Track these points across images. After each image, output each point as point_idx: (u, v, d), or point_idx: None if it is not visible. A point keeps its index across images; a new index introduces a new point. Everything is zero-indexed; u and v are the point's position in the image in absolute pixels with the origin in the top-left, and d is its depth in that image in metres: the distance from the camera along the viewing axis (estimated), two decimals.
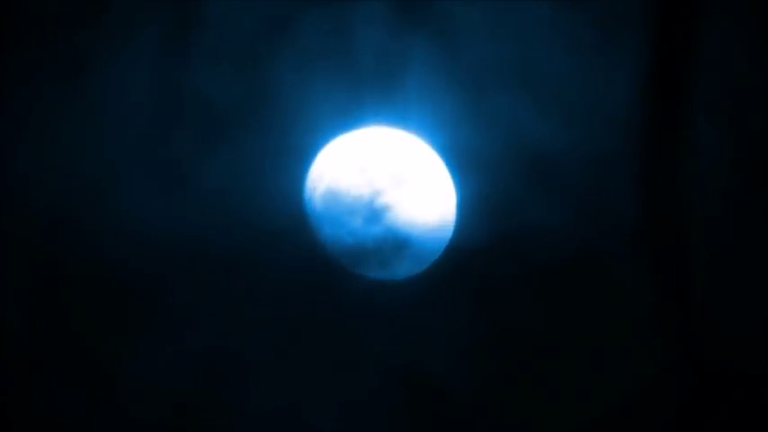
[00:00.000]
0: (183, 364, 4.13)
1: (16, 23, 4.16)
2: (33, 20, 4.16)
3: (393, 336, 4.15)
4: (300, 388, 4.14)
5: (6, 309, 4.11)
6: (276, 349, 4.13)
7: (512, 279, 4.14)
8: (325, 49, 4.14)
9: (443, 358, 4.15)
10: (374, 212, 4.01)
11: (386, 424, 4.15)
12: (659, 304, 4.12)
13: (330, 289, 4.11)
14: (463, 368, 4.15)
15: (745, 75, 4.12)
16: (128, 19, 4.16)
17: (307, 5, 4.15)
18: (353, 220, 4.01)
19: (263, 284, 4.12)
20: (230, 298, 4.13)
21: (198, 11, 4.16)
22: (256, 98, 4.15)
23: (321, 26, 4.14)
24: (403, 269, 4.08)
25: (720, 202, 4.14)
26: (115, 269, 4.14)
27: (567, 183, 4.15)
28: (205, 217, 4.14)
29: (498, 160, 4.14)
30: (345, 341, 4.14)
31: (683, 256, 4.13)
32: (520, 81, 4.14)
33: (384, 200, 4.00)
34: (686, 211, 4.13)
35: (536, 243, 4.14)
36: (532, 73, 4.15)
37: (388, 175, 4.02)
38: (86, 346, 4.13)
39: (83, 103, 4.17)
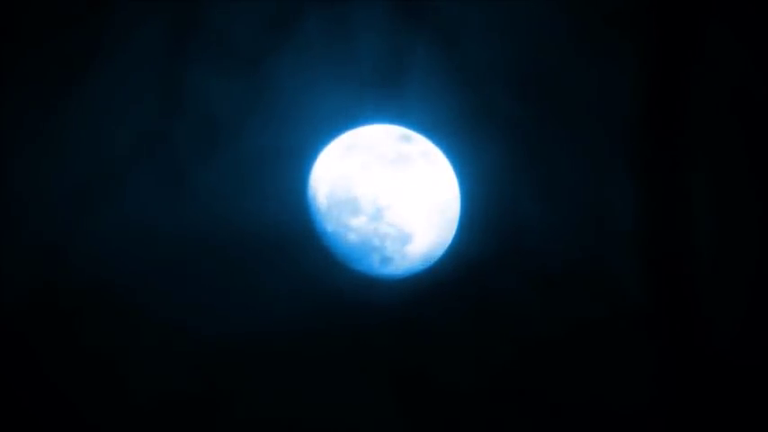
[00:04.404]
0: (183, 363, 4.12)
1: (16, 23, 4.15)
2: (33, 20, 4.15)
3: (393, 335, 4.14)
4: (300, 386, 4.13)
5: (6, 309, 4.10)
6: (277, 347, 4.12)
7: (512, 278, 4.14)
8: (325, 49, 4.14)
9: (444, 358, 4.15)
10: (377, 210, 4.01)
11: (386, 423, 4.14)
12: (659, 305, 4.13)
13: (332, 287, 4.11)
14: (463, 368, 4.14)
15: (746, 74, 4.14)
16: (128, 19, 4.16)
17: (307, 5, 4.15)
18: (356, 218, 4.01)
19: (264, 282, 4.11)
20: (231, 297, 4.12)
21: (198, 11, 4.16)
22: (257, 98, 4.15)
23: (322, 26, 4.15)
24: (405, 267, 4.08)
25: (720, 203, 4.15)
26: (115, 269, 4.12)
27: (567, 183, 4.16)
28: (206, 217, 4.13)
29: (499, 160, 4.15)
30: (346, 340, 4.13)
31: (682, 257, 4.14)
32: (520, 80, 4.15)
33: (386, 198, 4.01)
34: (686, 212, 4.15)
35: (536, 242, 4.15)
36: (533, 73, 4.16)
37: (391, 173, 4.03)
38: (86, 346, 4.12)
39: (82, 103, 4.16)
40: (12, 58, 4.14)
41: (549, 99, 4.16)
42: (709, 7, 4.13)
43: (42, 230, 4.14)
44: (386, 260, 4.05)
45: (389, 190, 4.01)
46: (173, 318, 4.12)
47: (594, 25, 4.17)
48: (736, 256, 4.14)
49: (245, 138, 4.14)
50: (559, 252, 4.15)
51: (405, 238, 4.03)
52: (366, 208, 4.01)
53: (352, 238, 4.02)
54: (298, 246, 4.11)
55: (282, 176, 4.12)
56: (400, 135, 4.09)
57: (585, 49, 4.16)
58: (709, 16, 4.14)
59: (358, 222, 4.01)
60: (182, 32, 4.15)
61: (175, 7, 4.15)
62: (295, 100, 4.14)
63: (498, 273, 4.14)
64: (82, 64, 4.15)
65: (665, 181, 4.16)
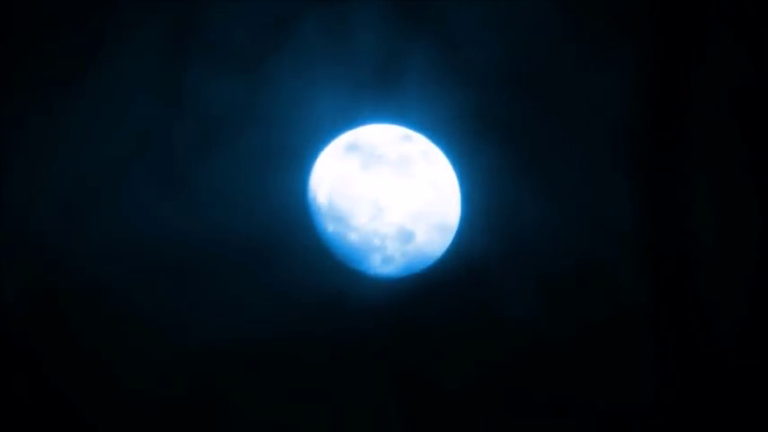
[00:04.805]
0: (182, 364, 4.11)
1: (16, 23, 4.15)
2: (33, 20, 4.15)
3: (394, 335, 4.14)
4: (300, 387, 4.13)
5: (7, 309, 4.09)
6: (277, 348, 4.12)
7: (513, 278, 4.14)
8: (325, 49, 4.14)
9: (444, 358, 4.15)
10: (377, 210, 4.01)
11: (385, 424, 4.14)
12: (659, 305, 4.13)
13: (332, 287, 4.11)
14: (464, 368, 4.14)
15: (746, 74, 4.15)
16: (128, 19, 4.16)
17: (307, 6, 4.15)
18: (356, 218, 4.01)
19: (264, 283, 4.11)
20: (232, 297, 4.12)
21: (198, 11, 4.16)
22: (257, 98, 4.15)
23: (321, 26, 4.15)
24: (406, 267, 4.08)
25: (720, 203, 4.16)
26: (114, 271, 4.12)
27: (567, 183, 4.16)
28: (205, 217, 4.13)
29: (499, 160, 4.15)
30: (346, 340, 4.13)
31: (682, 257, 4.14)
32: (520, 80, 4.16)
33: (387, 197, 4.01)
34: (686, 212, 4.15)
35: (536, 242, 4.15)
36: (532, 73, 4.16)
37: (391, 173, 4.03)
38: (85, 347, 4.11)
39: (82, 103, 4.16)
40: (12, 58, 4.14)
41: (549, 99, 4.16)
42: (709, 7, 4.13)
43: (42, 232, 4.13)
44: (386, 260, 4.05)
45: (390, 190, 4.02)
46: (172, 319, 4.12)
47: (594, 26, 4.17)
48: (736, 256, 4.15)
49: (244, 138, 4.14)
50: (560, 252, 4.15)
51: (405, 238, 4.03)
52: (366, 208, 4.01)
53: (353, 238, 4.02)
54: (298, 246, 4.10)
55: (282, 177, 4.12)
56: (400, 135, 4.10)
57: (585, 49, 4.17)
58: (709, 16, 4.14)
59: (358, 222, 4.01)
60: (182, 32, 4.15)
61: (175, 7, 4.16)
62: (295, 100, 4.14)
63: (498, 272, 4.14)
64: (82, 64, 4.14)
65: (665, 181, 4.16)
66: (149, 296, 4.12)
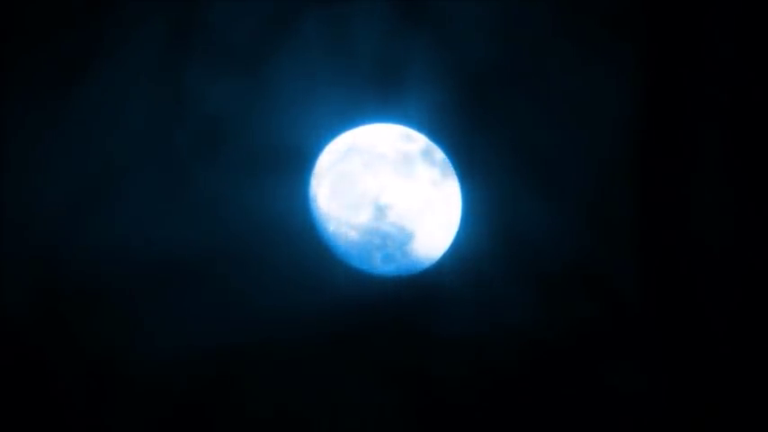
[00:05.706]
0: (182, 365, 4.11)
1: (16, 24, 4.15)
2: (33, 20, 4.15)
3: (394, 334, 4.14)
4: (301, 386, 4.13)
5: (7, 310, 4.09)
6: (277, 347, 4.12)
7: (513, 277, 4.14)
8: (325, 49, 4.15)
9: (444, 357, 4.15)
10: (378, 209, 4.01)
11: (386, 423, 4.14)
12: (658, 305, 4.14)
13: (333, 286, 4.11)
14: (464, 367, 4.14)
15: (746, 75, 4.16)
16: (128, 20, 4.16)
17: (307, 6, 4.16)
18: (357, 217, 4.01)
19: (266, 283, 4.11)
20: (233, 298, 4.12)
21: (198, 11, 4.16)
22: (257, 98, 4.15)
23: (321, 26, 4.15)
24: (407, 266, 4.08)
25: (720, 203, 4.16)
26: (116, 270, 4.12)
27: (568, 184, 4.17)
28: (207, 218, 4.13)
29: (499, 159, 4.15)
30: (347, 339, 4.13)
31: (682, 258, 4.15)
32: (520, 80, 4.16)
33: (387, 197, 4.01)
34: (686, 212, 4.15)
35: (536, 242, 4.15)
36: (533, 72, 4.17)
37: (392, 173, 4.03)
38: (86, 347, 4.11)
39: (82, 103, 4.16)
40: (12, 58, 4.14)
41: (550, 99, 4.17)
42: (709, 8, 4.15)
43: (42, 232, 4.13)
44: (387, 259, 4.05)
45: (390, 189, 4.02)
46: (173, 320, 4.12)
47: (593, 26, 4.18)
48: (735, 257, 4.15)
49: (245, 138, 4.15)
50: (559, 251, 4.15)
51: (406, 237, 4.03)
52: (367, 207, 4.01)
53: (354, 237, 4.02)
54: (299, 245, 4.10)
55: (283, 177, 4.12)
56: (401, 134, 4.10)
57: (586, 49, 4.17)
58: (708, 17, 4.15)
59: (359, 221, 4.02)
60: (182, 32, 4.15)
61: (175, 7, 4.16)
62: (295, 100, 4.14)
63: (499, 271, 4.14)
64: (82, 64, 4.14)
65: (664, 181, 4.17)
66: (149, 296, 4.12)
